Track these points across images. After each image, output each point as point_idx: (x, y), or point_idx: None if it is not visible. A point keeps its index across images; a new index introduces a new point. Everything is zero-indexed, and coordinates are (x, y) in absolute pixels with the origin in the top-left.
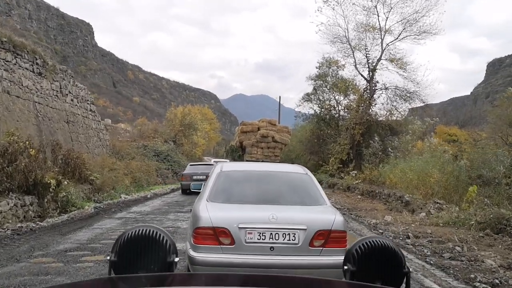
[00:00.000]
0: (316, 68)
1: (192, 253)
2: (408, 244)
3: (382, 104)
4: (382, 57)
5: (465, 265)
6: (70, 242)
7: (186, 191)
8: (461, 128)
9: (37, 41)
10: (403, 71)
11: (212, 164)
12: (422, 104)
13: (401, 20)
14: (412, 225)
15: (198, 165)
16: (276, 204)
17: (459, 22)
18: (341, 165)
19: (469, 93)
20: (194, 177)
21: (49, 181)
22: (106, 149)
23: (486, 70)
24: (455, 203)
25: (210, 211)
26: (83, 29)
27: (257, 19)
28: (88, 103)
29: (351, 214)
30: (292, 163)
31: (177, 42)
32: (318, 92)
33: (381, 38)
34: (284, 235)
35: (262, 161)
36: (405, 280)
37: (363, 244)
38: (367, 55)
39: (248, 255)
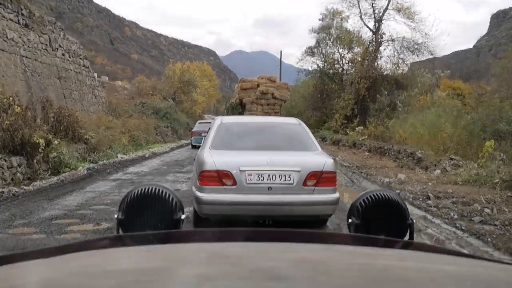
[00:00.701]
0: (319, 20)
1: (198, 193)
2: (431, 207)
3: (389, 57)
4: (389, 7)
5: (501, 231)
6: (57, 208)
7: (196, 146)
8: (465, 81)
9: None
10: (411, 22)
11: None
12: (430, 56)
13: None
14: (429, 184)
15: (206, 123)
16: (272, 150)
17: None
18: (345, 121)
19: (472, 46)
20: (203, 134)
21: (37, 141)
22: (102, 107)
23: (490, 22)
24: (471, 159)
25: (214, 157)
26: None
27: None
28: (81, 58)
29: (361, 172)
30: None
31: None
32: (321, 45)
33: None
34: (280, 176)
35: None
36: (408, 231)
37: (367, 198)
38: (373, 5)
39: (248, 195)
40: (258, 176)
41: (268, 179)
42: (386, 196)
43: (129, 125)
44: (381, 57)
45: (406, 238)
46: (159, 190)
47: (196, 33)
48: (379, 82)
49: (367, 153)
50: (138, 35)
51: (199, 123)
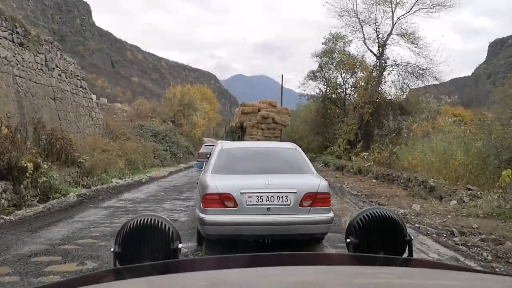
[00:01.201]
0: (322, 44)
1: (202, 215)
2: (459, 245)
3: (393, 82)
4: (393, 32)
5: None
6: (38, 242)
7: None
8: (465, 108)
9: (34, 20)
10: (415, 47)
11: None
12: (435, 82)
13: None
14: (448, 216)
15: (211, 145)
16: (270, 173)
17: (446, 10)
18: (348, 146)
19: (470, 74)
20: (208, 156)
21: (25, 165)
22: (99, 129)
23: (488, 50)
24: (487, 189)
25: (216, 181)
26: (81, 8)
27: None
28: (78, 79)
29: (371, 201)
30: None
31: (176, 21)
32: (323, 69)
33: (392, 11)
34: (278, 197)
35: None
36: (407, 248)
37: (363, 216)
38: (377, 29)
39: (249, 215)
40: (257, 198)
41: (267, 200)
42: (382, 214)
43: (126, 148)
44: (385, 82)
45: (405, 255)
46: (154, 220)
47: (197, 56)
48: (383, 107)
49: (374, 181)
50: (139, 59)
51: (204, 145)
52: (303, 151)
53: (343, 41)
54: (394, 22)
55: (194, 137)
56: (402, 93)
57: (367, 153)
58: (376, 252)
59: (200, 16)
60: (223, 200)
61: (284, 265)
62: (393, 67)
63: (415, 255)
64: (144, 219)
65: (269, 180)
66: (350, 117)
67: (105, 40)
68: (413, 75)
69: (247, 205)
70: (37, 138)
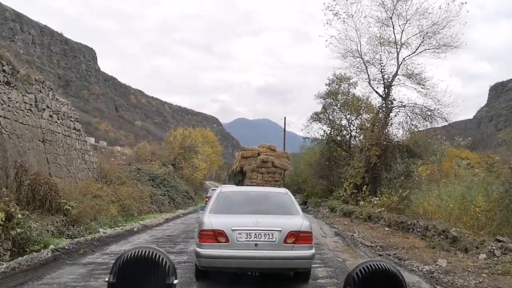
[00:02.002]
0: (326, 85)
1: (198, 249)
2: None
3: (400, 123)
4: (399, 72)
5: None
6: None
7: None
8: (471, 151)
9: (40, 66)
10: (422, 87)
11: None
12: (445, 123)
13: (418, 33)
14: (483, 274)
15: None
16: (260, 214)
17: (452, 50)
18: (355, 190)
19: (472, 117)
20: None
21: None
22: (93, 173)
23: (489, 94)
24: None
25: (211, 219)
26: (86, 54)
27: (259, 43)
28: (71, 120)
29: (389, 255)
30: (298, 188)
31: (180, 66)
32: (327, 111)
33: (397, 52)
34: (265, 235)
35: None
36: None
37: (363, 268)
38: (382, 70)
39: (238, 250)
40: (246, 235)
41: (255, 237)
42: (383, 266)
43: (120, 193)
44: (391, 123)
45: None
46: (152, 253)
47: (200, 100)
48: (390, 149)
49: (386, 229)
50: (142, 103)
51: (212, 189)
52: (307, 195)
53: (348, 82)
54: (400, 63)
55: (195, 180)
56: (409, 134)
57: (377, 198)
58: None
59: (204, 61)
60: (217, 236)
61: None
62: (399, 108)
63: None
64: (141, 251)
65: (257, 219)
66: (357, 160)
67: (110, 85)
68: (420, 116)
69: (237, 241)
70: (18, 183)
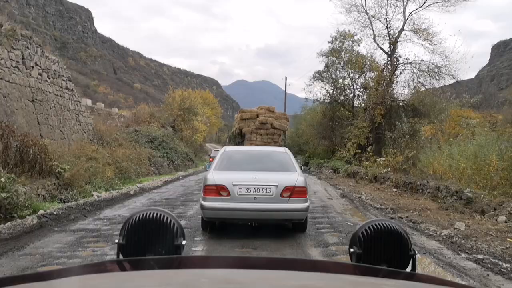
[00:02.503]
0: (329, 43)
1: (202, 202)
2: None
3: (406, 81)
4: (405, 28)
5: None
6: None
7: None
8: (474, 110)
9: (35, 27)
10: (429, 43)
11: None
12: (452, 81)
13: None
14: (508, 239)
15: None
16: (259, 171)
17: (462, 3)
18: (359, 151)
19: (473, 77)
20: None
21: None
22: (88, 134)
23: (491, 53)
24: None
25: (214, 175)
26: (83, 15)
27: (259, 3)
28: (63, 80)
29: (401, 218)
30: (300, 149)
31: (178, 28)
32: (330, 69)
33: (403, 6)
34: (263, 189)
35: None
36: (411, 262)
37: (369, 227)
38: (388, 25)
39: (239, 203)
40: (246, 189)
41: (253, 191)
42: (388, 226)
43: (117, 155)
44: (397, 82)
45: (409, 269)
46: (160, 215)
47: (199, 63)
48: (395, 109)
49: (394, 190)
50: (141, 65)
51: (214, 150)
52: (309, 156)
53: (351, 39)
54: (406, 18)
55: (195, 142)
56: (415, 93)
57: (383, 158)
58: (379, 264)
59: (202, 23)
60: (219, 190)
61: (287, 269)
62: (405, 65)
63: None
64: (150, 213)
65: (256, 175)
66: (361, 120)
67: (107, 47)
68: (427, 73)
69: (238, 194)
70: (4, 145)
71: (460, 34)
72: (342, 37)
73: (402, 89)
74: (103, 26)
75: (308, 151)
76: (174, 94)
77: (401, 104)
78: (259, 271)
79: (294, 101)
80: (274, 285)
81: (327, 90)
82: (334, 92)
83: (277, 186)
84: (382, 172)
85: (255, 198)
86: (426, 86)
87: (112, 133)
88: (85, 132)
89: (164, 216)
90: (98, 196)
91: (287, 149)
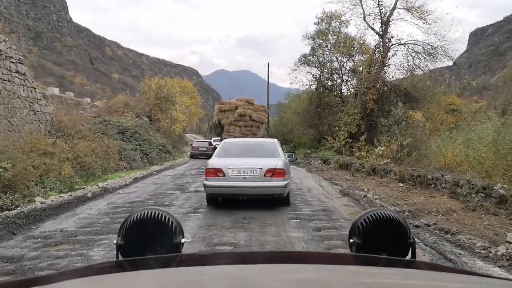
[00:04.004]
0: (315, 24)
1: (205, 181)
2: None
3: (400, 63)
4: (398, 6)
5: None
6: None
7: (193, 156)
8: (459, 96)
9: (8, 17)
10: (423, 22)
11: (209, 141)
12: (449, 63)
13: None
14: None
15: (201, 141)
16: (249, 157)
17: None
18: (350, 139)
19: (451, 63)
20: (200, 148)
21: None
22: (46, 126)
23: (469, 40)
24: None
25: (214, 161)
26: (57, 4)
27: None
28: (12, 62)
29: (428, 226)
30: (284, 138)
31: (157, 18)
32: (317, 53)
33: None
34: (250, 171)
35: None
36: (410, 250)
37: (368, 217)
38: (380, 3)
39: (232, 182)
40: (237, 171)
41: (243, 172)
42: (387, 215)
43: (79, 149)
44: (389, 64)
45: (409, 257)
46: (158, 214)
47: (179, 53)
48: (386, 94)
49: (400, 185)
50: (119, 55)
51: (196, 141)
52: (294, 146)
53: (339, 20)
54: None
55: (174, 133)
56: (411, 76)
57: (382, 148)
58: (380, 253)
59: (182, 13)
60: (217, 172)
61: (287, 262)
62: (398, 46)
63: None
64: (148, 212)
65: (245, 161)
66: (351, 106)
67: (84, 37)
68: (422, 55)
69: (231, 175)
70: None
71: (458, 11)
72: (329, 18)
73: (394, 72)
74: (79, 15)
75: (293, 141)
76: (150, 82)
77: (394, 88)
78: (260, 266)
79: (275, 90)
80: (277, 280)
81: (313, 75)
82: (321, 77)
83: (261, 168)
84: (381, 163)
85: (244, 178)
86: (422, 69)
87: (77, 124)
88: (41, 123)
89: (162, 215)
90: (41, 203)
91: (275, 140)
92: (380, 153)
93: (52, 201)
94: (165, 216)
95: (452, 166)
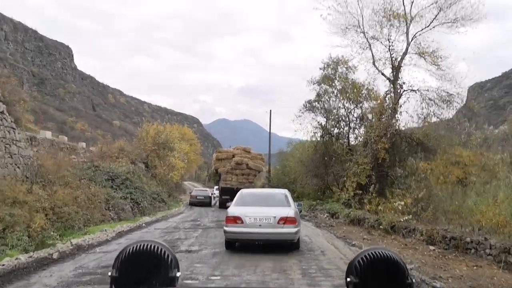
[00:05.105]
0: (320, 69)
1: (225, 227)
2: None
3: (414, 110)
4: (409, 51)
5: None
6: None
7: (192, 204)
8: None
9: (13, 63)
10: (437, 68)
11: (207, 190)
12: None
13: (431, 4)
14: None
15: (200, 190)
16: (263, 206)
17: (473, 24)
18: (360, 191)
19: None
20: (198, 197)
21: None
22: (24, 170)
23: (468, 95)
24: None
25: (233, 209)
26: (62, 52)
27: (240, 44)
28: None
29: None
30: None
31: (160, 66)
32: (323, 99)
33: (406, 26)
34: (265, 219)
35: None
36: None
37: (365, 256)
38: (390, 48)
39: (249, 228)
40: (254, 219)
41: (259, 220)
42: (384, 254)
43: (57, 198)
44: (400, 112)
45: None
46: (154, 246)
47: (180, 101)
48: (397, 142)
49: (431, 248)
50: (121, 102)
51: (195, 189)
52: (297, 196)
53: (345, 65)
54: (410, 40)
55: (171, 181)
56: (427, 124)
57: (402, 202)
58: None
59: (184, 62)
60: (236, 219)
61: None
62: (411, 92)
63: None
64: (143, 244)
65: (261, 210)
66: (360, 155)
67: (87, 84)
68: (434, 102)
69: (248, 222)
70: None
71: (475, 57)
72: (335, 63)
73: (407, 120)
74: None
75: (296, 191)
76: (148, 128)
77: (405, 138)
78: None
79: (275, 140)
80: None
81: (319, 122)
82: (327, 124)
83: (275, 217)
84: (401, 220)
85: (260, 225)
86: (438, 116)
87: (62, 170)
88: (18, 167)
89: (158, 248)
90: None
91: (286, 191)
92: (400, 208)
93: (2, 265)
94: (161, 249)
95: (492, 227)
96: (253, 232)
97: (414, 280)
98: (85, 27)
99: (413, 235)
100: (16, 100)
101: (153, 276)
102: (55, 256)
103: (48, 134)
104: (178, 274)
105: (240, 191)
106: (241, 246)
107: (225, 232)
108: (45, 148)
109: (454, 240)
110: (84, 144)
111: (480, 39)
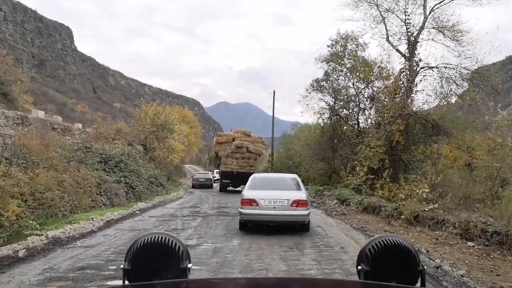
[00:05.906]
0: (328, 47)
1: (240, 209)
2: None
3: (433, 88)
4: (427, 25)
5: None
6: None
7: (195, 186)
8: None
9: (12, 44)
10: (455, 45)
11: (208, 173)
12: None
13: None
14: None
15: (202, 173)
16: (276, 189)
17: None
18: (372, 176)
19: (453, 101)
20: (200, 179)
21: None
22: (3, 151)
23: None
24: None
25: (247, 192)
26: (62, 33)
27: (241, 27)
28: None
29: None
30: (290, 172)
31: (160, 49)
32: (331, 78)
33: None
34: (279, 201)
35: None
36: (420, 278)
37: (376, 244)
38: (407, 21)
39: (263, 210)
40: (268, 201)
41: (273, 203)
42: (395, 242)
43: (39, 182)
44: (416, 91)
45: (418, 285)
46: (165, 238)
47: (181, 84)
48: (411, 124)
49: (470, 244)
50: (122, 85)
51: (197, 173)
52: (303, 180)
53: (356, 42)
54: (428, 13)
55: (170, 164)
56: (446, 103)
57: (427, 191)
58: (388, 281)
59: (185, 45)
60: (251, 202)
61: None
62: (427, 70)
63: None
64: (155, 237)
65: (275, 193)
66: (373, 137)
67: (87, 66)
68: (453, 81)
69: (263, 205)
70: None
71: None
72: (344, 40)
73: (425, 100)
74: (84, 45)
75: (301, 175)
76: (147, 109)
77: (419, 119)
78: None
79: (277, 123)
80: None
81: (326, 102)
82: (336, 105)
83: (288, 200)
84: (426, 209)
85: (274, 207)
86: (459, 96)
87: (48, 151)
88: None
89: (169, 240)
90: None
91: (296, 176)
92: (424, 195)
93: None
94: (172, 241)
95: None
96: (267, 214)
97: (425, 267)
98: (85, 9)
99: (442, 228)
100: (12, 80)
101: (165, 268)
102: (20, 254)
103: (41, 114)
104: (189, 265)
105: (253, 175)
106: (247, 242)
107: (240, 214)
108: (37, 128)
109: (497, 235)
110: (80, 125)
111: (487, 22)
